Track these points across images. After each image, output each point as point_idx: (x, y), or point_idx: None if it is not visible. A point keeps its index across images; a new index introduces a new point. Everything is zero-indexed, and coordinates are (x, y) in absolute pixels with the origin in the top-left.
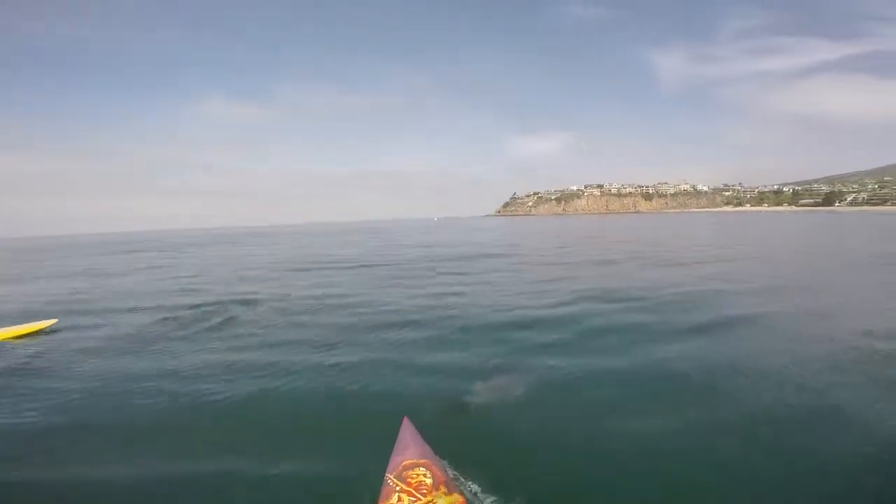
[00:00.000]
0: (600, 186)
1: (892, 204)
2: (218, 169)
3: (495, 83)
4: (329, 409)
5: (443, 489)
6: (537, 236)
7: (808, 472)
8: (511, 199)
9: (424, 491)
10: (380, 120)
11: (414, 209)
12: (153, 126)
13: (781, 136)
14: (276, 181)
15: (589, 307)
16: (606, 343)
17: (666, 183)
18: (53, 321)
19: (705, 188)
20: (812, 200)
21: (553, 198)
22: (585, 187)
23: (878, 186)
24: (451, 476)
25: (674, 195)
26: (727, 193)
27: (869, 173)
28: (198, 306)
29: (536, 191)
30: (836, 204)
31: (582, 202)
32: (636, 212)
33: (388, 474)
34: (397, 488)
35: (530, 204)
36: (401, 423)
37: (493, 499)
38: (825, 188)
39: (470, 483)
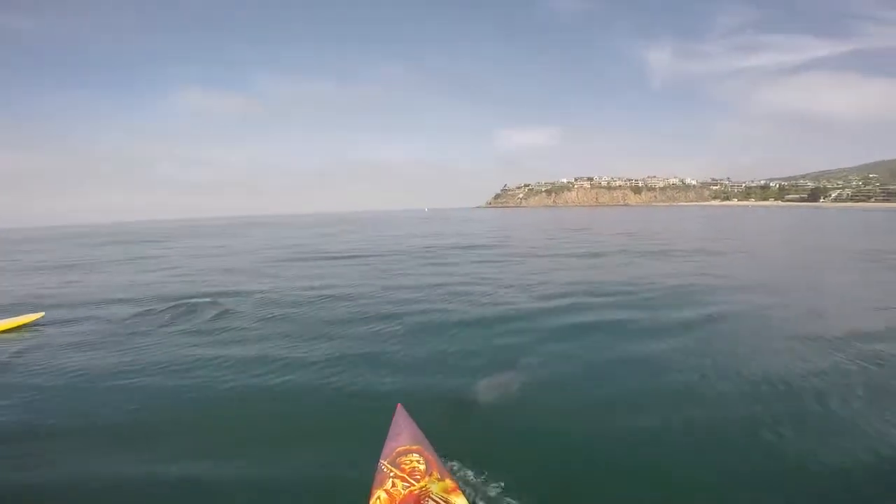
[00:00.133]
0: (590, 179)
1: (875, 200)
2: (191, 161)
3: (484, 76)
4: (321, 400)
5: (435, 474)
6: (528, 228)
7: (808, 472)
8: (502, 190)
9: (418, 476)
10: (369, 112)
11: (404, 201)
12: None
13: (768, 133)
14: (254, 172)
15: (579, 300)
16: (596, 334)
17: (655, 177)
18: (41, 313)
19: (693, 182)
20: (798, 196)
21: (543, 190)
22: (576, 180)
23: (863, 183)
24: (444, 461)
25: (663, 189)
26: (715, 188)
27: (854, 170)
28: (185, 298)
29: (527, 183)
30: (821, 200)
31: (572, 195)
32: (625, 205)
33: (382, 461)
34: (391, 474)
35: (521, 196)
36: (394, 410)
37: (483, 483)
38: (811, 184)
39: (464, 470)
